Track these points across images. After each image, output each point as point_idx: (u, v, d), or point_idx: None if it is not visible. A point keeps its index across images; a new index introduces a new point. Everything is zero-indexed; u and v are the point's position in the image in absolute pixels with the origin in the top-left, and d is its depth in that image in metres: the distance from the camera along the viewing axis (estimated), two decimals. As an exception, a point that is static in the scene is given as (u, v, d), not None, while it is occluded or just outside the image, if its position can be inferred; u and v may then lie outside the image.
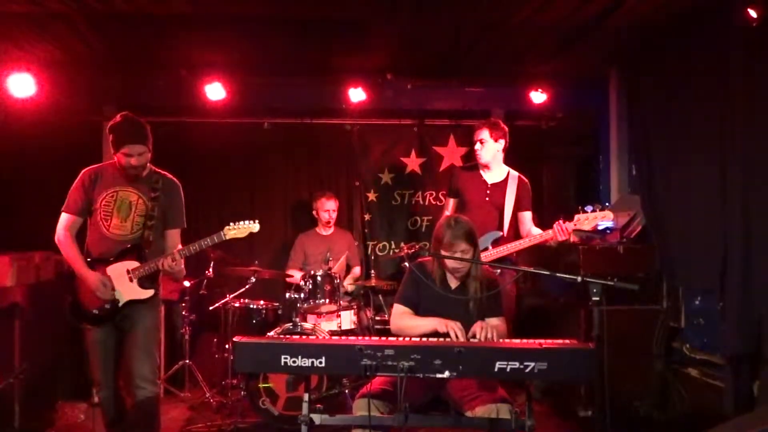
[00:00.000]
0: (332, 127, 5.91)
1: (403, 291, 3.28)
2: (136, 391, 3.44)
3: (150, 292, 3.48)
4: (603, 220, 4.07)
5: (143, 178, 3.54)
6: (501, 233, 4.28)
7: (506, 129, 4.45)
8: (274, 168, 5.99)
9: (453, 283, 3.22)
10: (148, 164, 3.56)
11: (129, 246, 3.47)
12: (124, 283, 3.43)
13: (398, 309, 3.23)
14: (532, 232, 4.29)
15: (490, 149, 4.36)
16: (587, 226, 4.05)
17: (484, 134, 4.34)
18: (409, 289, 3.24)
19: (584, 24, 4.23)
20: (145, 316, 3.49)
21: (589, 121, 5.85)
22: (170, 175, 3.66)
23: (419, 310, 3.19)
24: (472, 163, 4.54)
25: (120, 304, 3.44)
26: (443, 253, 3.13)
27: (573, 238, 4.58)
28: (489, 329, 2.93)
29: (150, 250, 3.48)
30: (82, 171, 3.54)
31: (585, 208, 4.04)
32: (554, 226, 4.06)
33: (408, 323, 3.12)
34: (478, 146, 4.37)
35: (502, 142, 4.39)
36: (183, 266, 3.55)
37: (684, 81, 4.07)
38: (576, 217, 4.04)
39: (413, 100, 5.79)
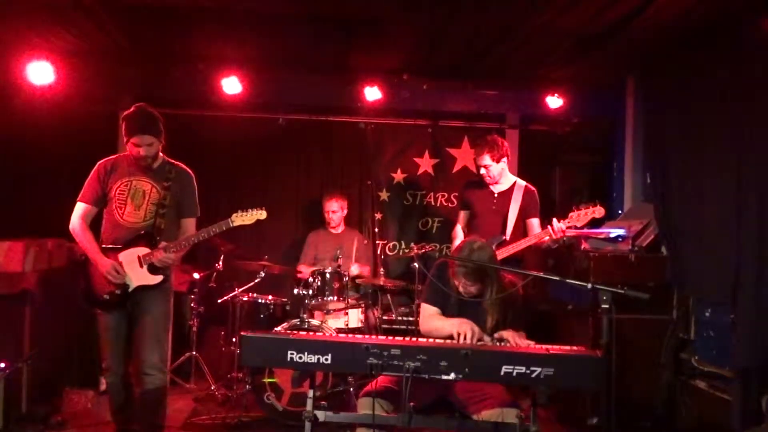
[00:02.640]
0: (347, 125, 5.91)
1: (430, 290, 3.29)
2: (144, 379, 3.49)
3: (159, 278, 3.54)
4: (594, 215, 4.19)
5: (156, 168, 3.61)
6: (503, 237, 4.41)
7: (505, 143, 4.55)
8: (287, 163, 6.01)
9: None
10: (161, 155, 3.63)
11: (141, 233, 3.53)
12: (134, 268, 3.50)
13: (427, 310, 3.25)
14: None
15: (495, 171, 4.48)
16: (580, 222, 4.20)
17: (486, 160, 4.45)
18: (436, 288, 3.24)
19: (603, 30, 4.21)
20: (156, 304, 3.56)
21: (605, 127, 5.81)
22: (183, 165, 3.72)
23: (446, 310, 3.20)
24: (479, 179, 4.65)
25: (130, 290, 3.50)
26: (453, 280, 3.13)
27: (584, 244, 4.57)
28: (519, 339, 2.93)
29: (162, 238, 3.54)
30: (98, 162, 3.62)
31: (579, 206, 4.20)
32: (548, 226, 4.24)
33: (436, 324, 3.12)
34: (483, 171, 4.50)
35: (504, 160, 4.51)
36: (176, 255, 3.57)
37: (702, 91, 4.03)
38: (570, 214, 4.21)
39: (428, 101, 5.78)
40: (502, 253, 4.29)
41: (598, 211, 4.21)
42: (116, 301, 3.50)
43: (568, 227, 4.22)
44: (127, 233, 3.53)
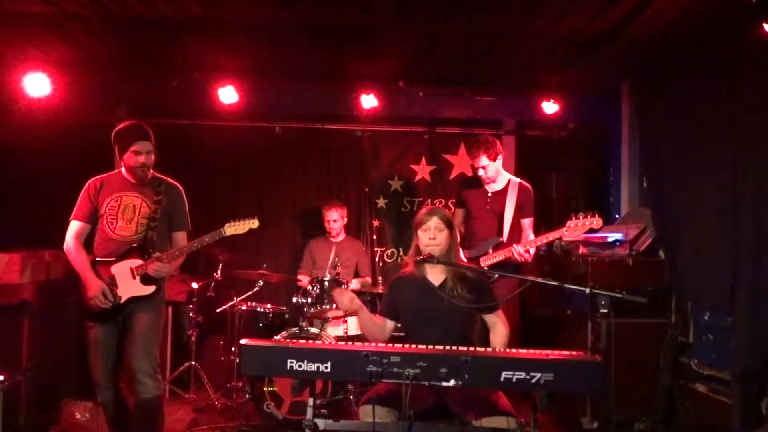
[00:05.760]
0: (343, 133, 5.92)
1: (382, 303, 3.42)
2: (138, 387, 3.50)
3: (151, 289, 3.55)
4: (592, 226, 4.21)
5: (146, 183, 3.66)
6: (501, 239, 4.43)
7: (497, 141, 4.61)
8: (284, 172, 6.02)
9: (436, 280, 3.24)
10: (151, 170, 3.67)
11: (134, 246, 3.56)
12: (127, 280, 3.53)
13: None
14: (529, 238, 4.45)
15: (492, 169, 4.50)
16: (578, 232, 4.22)
17: (484, 160, 4.47)
18: (386, 300, 3.37)
19: (597, 36, 4.23)
20: (146, 315, 3.56)
21: (601, 132, 5.84)
22: (172, 180, 3.78)
23: (402, 317, 3.29)
24: (474, 179, 4.69)
25: (122, 301, 3.52)
26: (420, 233, 3.24)
27: (581, 249, 4.58)
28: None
29: (154, 250, 3.57)
30: (88, 181, 3.68)
31: (577, 215, 4.22)
32: (511, 247, 4.29)
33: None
34: (481, 172, 4.51)
35: (500, 158, 4.54)
36: (169, 266, 3.60)
37: (697, 95, 4.05)
38: (567, 223, 4.23)
39: (425, 108, 5.79)
40: (491, 258, 4.36)
41: (597, 222, 4.20)
42: (107, 312, 3.51)
43: (565, 236, 4.28)
44: (119, 246, 3.56)
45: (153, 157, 3.61)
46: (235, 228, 3.70)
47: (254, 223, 3.75)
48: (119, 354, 3.59)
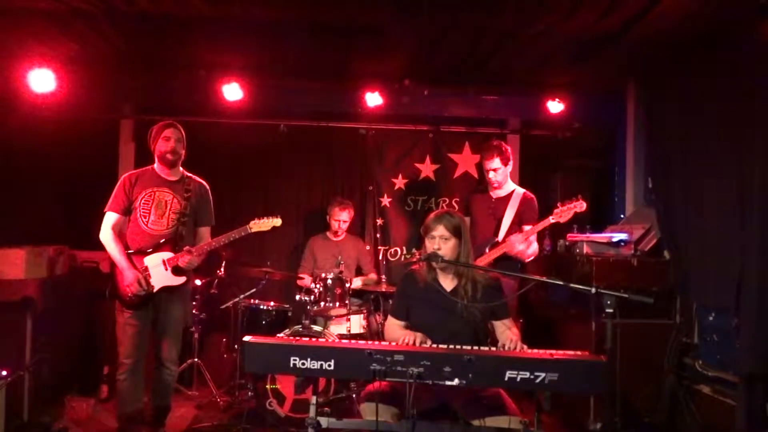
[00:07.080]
0: (348, 131, 5.91)
1: (394, 302, 3.36)
2: (164, 371, 3.91)
3: (182, 279, 3.87)
4: (576, 210, 4.29)
5: (177, 180, 3.92)
6: (496, 239, 4.50)
7: (509, 149, 4.71)
8: (288, 170, 6.00)
9: (448, 285, 3.20)
10: (181, 168, 3.95)
11: (165, 239, 3.83)
12: (159, 271, 3.81)
13: (389, 321, 3.32)
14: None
15: (501, 174, 4.59)
16: (563, 218, 4.33)
17: (497, 162, 4.54)
18: (398, 300, 3.31)
19: (604, 36, 4.21)
20: (177, 305, 3.91)
21: (606, 132, 5.81)
22: (200, 179, 4.06)
23: (411, 317, 3.22)
24: (482, 186, 4.81)
25: (155, 290, 3.79)
26: (426, 240, 3.17)
27: (586, 249, 4.56)
28: (516, 343, 2.90)
29: (183, 244, 3.85)
30: (123, 175, 3.94)
31: (563, 203, 4.34)
32: (508, 239, 4.40)
33: (390, 337, 3.18)
34: (492, 175, 4.58)
35: (510, 165, 4.64)
36: (198, 259, 3.88)
37: (704, 95, 4.03)
38: (554, 211, 4.34)
39: (429, 107, 5.78)
40: (490, 255, 4.41)
41: (579, 205, 4.29)
42: (140, 300, 3.77)
43: (552, 222, 4.36)
44: (151, 239, 3.82)
45: (181, 149, 3.88)
46: (260, 225, 3.98)
47: (277, 222, 4.04)
48: (148, 338, 3.86)
